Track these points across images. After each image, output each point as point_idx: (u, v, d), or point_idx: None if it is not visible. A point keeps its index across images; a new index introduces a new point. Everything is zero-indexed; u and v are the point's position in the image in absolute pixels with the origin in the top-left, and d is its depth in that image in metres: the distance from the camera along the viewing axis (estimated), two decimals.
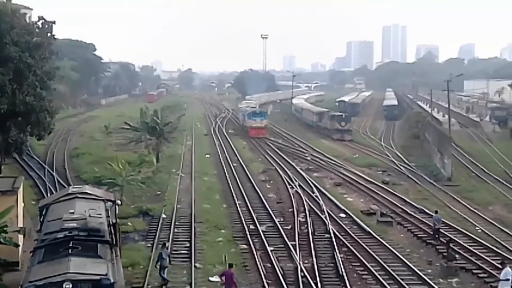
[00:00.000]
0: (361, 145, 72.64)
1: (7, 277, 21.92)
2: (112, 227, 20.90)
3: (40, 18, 41.03)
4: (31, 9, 73.96)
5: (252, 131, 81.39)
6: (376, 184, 46.98)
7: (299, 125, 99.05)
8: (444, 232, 32.72)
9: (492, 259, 28.06)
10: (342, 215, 37.31)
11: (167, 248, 26.80)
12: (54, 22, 41.55)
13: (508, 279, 23.19)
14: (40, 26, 40.68)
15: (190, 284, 24.93)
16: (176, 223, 34.66)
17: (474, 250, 29.69)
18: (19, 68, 36.39)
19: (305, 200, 40.00)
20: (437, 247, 31.04)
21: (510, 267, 24.34)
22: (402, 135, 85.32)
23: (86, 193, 23.45)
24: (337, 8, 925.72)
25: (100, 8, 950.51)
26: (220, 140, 76.33)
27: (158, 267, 25.33)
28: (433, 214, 33.70)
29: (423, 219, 35.42)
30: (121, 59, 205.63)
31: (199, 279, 25.82)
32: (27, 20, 43.70)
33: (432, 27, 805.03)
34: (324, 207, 38.15)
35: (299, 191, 43.27)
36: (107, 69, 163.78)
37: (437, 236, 31.96)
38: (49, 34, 40.96)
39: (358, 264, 28.03)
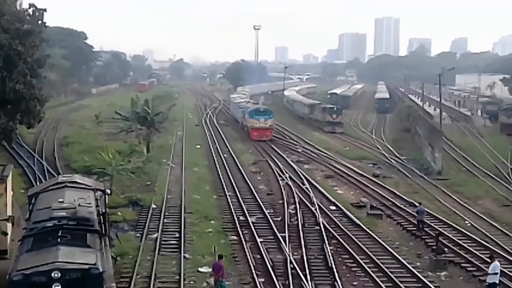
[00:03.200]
0: (352, 138, 72.79)
1: None
2: (101, 216, 20.89)
3: (31, 5, 40.66)
4: None
5: (254, 133, 68.57)
6: (366, 177, 47.12)
7: (291, 117, 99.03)
8: (434, 225, 32.96)
9: (481, 253, 28.23)
10: (332, 207, 37.40)
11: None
12: (45, 10, 41.23)
13: (497, 273, 23.39)
14: (31, 13, 40.31)
15: (179, 275, 24.94)
16: (166, 214, 34.62)
17: (463, 244, 29.84)
18: (9, 56, 36.07)
19: (296, 192, 40.05)
20: (422, 237, 31.39)
21: (498, 261, 24.61)
22: (393, 128, 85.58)
23: (76, 182, 23.40)
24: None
25: None
26: (211, 130, 76.21)
27: None
28: (417, 205, 34.06)
29: (413, 213, 35.54)
30: (113, 48, 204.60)
31: (188, 270, 25.81)
32: (18, 7, 43.35)
33: (425, 20, 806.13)
34: (314, 199, 38.21)
35: (290, 183, 43.33)
36: (98, 58, 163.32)
37: (421, 226, 32.30)
38: (40, 22, 40.59)
39: (348, 256, 28.12)
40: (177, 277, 24.79)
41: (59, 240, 16.94)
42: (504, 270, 25.20)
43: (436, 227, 32.60)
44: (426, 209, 34.36)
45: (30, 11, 40.47)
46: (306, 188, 41.88)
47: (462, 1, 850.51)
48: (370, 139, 72.44)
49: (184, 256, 27.28)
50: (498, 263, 23.83)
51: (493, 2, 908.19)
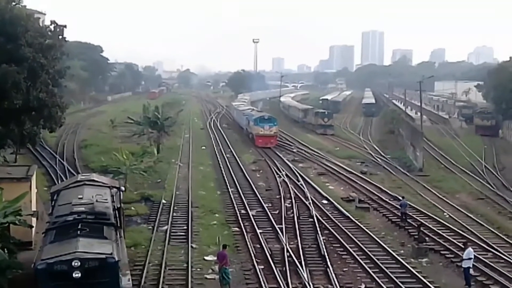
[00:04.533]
0: (342, 139, 72.73)
1: (21, 255, 21.87)
2: (116, 211, 20.94)
3: (52, 22, 40.64)
4: (44, 14, 73.13)
5: (259, 140, 63.45)
6: (355, 174, 47.11)
7: (286, 120, 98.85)
8: (415, 217, 32.98)
9: (458, 242, 28.26)
10: (324, 201, 37.38)
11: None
12: (65, 26, 41.21)
13: (471, 258, 23.54)
14: (52, 29, 40.33)
15: (187, 263, 24.96)
16: (175, 208, 34.62)
17: (442, 233, 29.90)
18: (33, 67, 36.11)
19: (291, 188, 40.03)
20: (406, 227, 31.43)
21: (473, 248, 24.70)
22: (378, 130, 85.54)
23: (93, 180, 23.45)
24: (321, 15, 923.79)
25: (109, 13, 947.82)
26: (215, 133, 76.12)
27: None
28: (401, 199, 34.08)
29: (397, 206, 35.53)
30: (126, 60, 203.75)
31: (195, 258, 25.85)
32: (41, 24, 43.33)
33: (407, 33, 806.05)
34: (308, 194, 38.21)
35: (286, 179, 43.32)
36: (113, 69, 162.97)
37: (404, 218, 32.32)
38: (60, 37, 40.58)
39: (338, 245, 28.15)
40: (185, 265, 24.79)
41: (78, 232, 16.99)
42: (478, 256, 25.30)
43: (418, 218, 32.63)
44: (408, 202, 34.34)
45: (52, 27, 40.47)
46: (301, 184, 41.86)
47: (441, 15, 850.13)
48: (358, 140, 72.43)
49: (191, 246, 27.31)
50: (471, 250, 23.96)
51: (468, 16, 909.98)
